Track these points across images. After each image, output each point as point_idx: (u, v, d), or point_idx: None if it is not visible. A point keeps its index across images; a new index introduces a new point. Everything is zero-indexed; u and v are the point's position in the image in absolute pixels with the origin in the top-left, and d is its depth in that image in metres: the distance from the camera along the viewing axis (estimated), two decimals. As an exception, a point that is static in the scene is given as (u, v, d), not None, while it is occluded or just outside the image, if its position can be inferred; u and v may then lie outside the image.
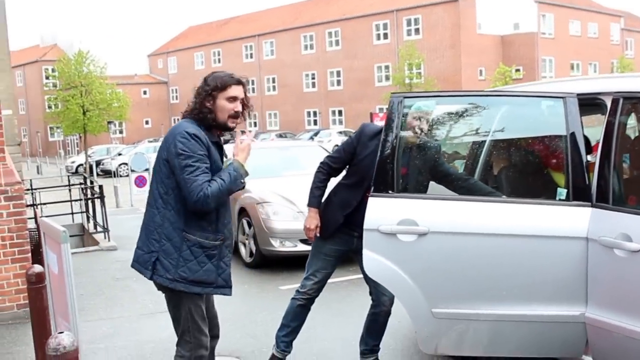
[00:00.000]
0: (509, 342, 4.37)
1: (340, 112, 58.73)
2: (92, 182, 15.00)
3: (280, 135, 50.36)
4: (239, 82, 3.97)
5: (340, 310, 6.94)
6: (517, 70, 50.74)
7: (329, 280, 5.19)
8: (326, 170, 4.98)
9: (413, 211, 4.24)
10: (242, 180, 3.89)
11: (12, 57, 27.28)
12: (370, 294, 5.11)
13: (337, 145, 5.32)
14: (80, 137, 49.06)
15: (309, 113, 61.95)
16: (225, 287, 3.99)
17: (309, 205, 4.98)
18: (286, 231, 8.95)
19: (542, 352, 4.40)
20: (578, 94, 4.23)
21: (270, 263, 9.33)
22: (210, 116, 3.89)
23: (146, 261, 3.91)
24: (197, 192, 3.67)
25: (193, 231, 3.82)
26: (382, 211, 4.29)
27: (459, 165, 5.65)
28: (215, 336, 4.30)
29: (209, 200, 3.69)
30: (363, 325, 5.27)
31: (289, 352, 5.21)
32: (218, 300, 7.77)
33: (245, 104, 4.01)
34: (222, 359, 5.78)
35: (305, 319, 5.18)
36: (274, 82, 64.97)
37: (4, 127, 7.26)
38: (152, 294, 8.36)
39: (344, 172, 5.07)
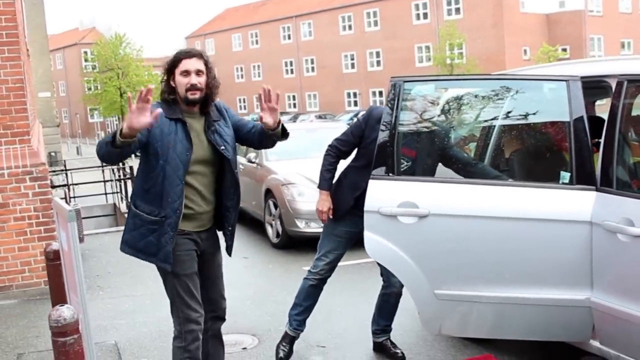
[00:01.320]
0: (514, 325, 4.39)
1: (380, 93, 58.46)
2: (123, 163, 15.23)
3: (320, 117, 50.28)
4: (189, 55, 3.92)
5: (363, 291, 6.99)
6: (564, 49, 49.86)
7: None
8: (335, 153, 5.01)
9: (414, 194, 4.26)
10: (113, 140, 3.61)
11: (52, 41, 27.69)
12: (382, 275, 5.15)
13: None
14: (118, 118, 49.68)
15: (348, 94, 61.81)
16: (165, 262, 3.91)
17: (320, 187, 5.01)
18: (311, 212, 8.94)
19: (548, 336, 4.41)
20: (582, 77, 4.19)
21: (296, 244, 9.42)
22: (168, 96, 3.93)
23: None
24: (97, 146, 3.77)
25: (139, 203, 3.93)
26: (382, 193, 4.32)
27: (472, 149, 5.65)
28: (219, 318, 4.35)
29: (98, 152, 3.74)
30: (375, 306, 5.33)
31: (302, 331, 5.27)
32: (243, 280, 7.96)
33: (205, 77, 3.94)
34: (239, 336, 5.90)
35: (317, 298, 5.23)
36: (312, 63, 64.89)
37: (41, 110, 7.51)
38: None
39: (353, 154, 5.10)
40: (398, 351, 5.21)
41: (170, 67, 3.92)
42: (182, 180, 3.85)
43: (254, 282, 8.04)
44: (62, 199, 9.66)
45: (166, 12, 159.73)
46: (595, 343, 4.21)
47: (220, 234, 4.27)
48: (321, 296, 5.26)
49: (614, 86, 4.09)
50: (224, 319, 4.40)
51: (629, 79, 4.03)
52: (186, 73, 3.87)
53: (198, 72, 3.90)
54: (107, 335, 6.04)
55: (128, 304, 7.17)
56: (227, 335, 5.87)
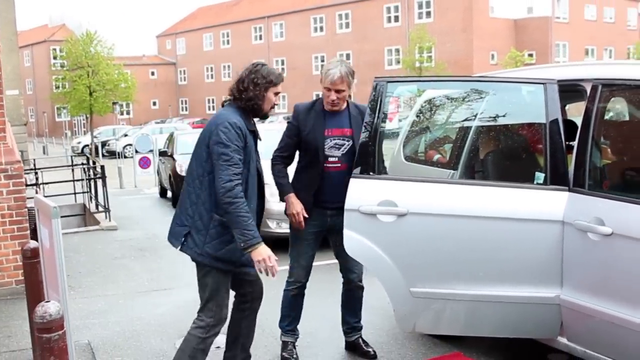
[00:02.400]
0: (486, 322, 4.47)
1: (350, 96, 58.45)
2: (94, 163, 15.11)
3: (289, 118, 50.23)
4: (282, 79, 4.44)
5: (333, 291, 7.02)
6: (530, 55, 50.47)
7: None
8: (279, 161, 5.03)
9: (393, 192, 4.33)
10: (241, 244, 3.99)
11: (20, 37, 27.33)
12: (341, 270, 5.21)
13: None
14: (86, 117, 49.20)
15: (318, 96, 61.52)
16: (247, 266, 4.23)
17: (283, 194, 5.01)
18: (283, 212, 9.03)
19: (518, 332, 4.50)
20: (559, 81, 4.29)
21: (267, 244, 9.37)
22: (259, 106, 4.28)
23: (178, 233, 4.23)
24: (226, 180, 3.95)
25: (221, 212, 4.06)
26: (362, 192, 4.38)
27: (448, 150, 5.73)
28: (258, 298, 4.63)
29: (229, 196, 3.94)
30: (340, 306, 5.38)
31: (298, 336, 5.29)
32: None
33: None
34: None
35: (302, 304, 5.24)
36: (283, 64, 64.86)
37: (9, 108, 7.40)
38: (149, 272, 8.55)
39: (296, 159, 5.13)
40: (370, 350, 5.26)
41: (269, 83, 4.28)
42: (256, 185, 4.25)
43: (226, 281, 8.03)
44: (30, 198, 9.58)
45: (137, 10, 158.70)
46: (563, 340, 4.31)
47: None
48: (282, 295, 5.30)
49: (588, 90, 4.19)
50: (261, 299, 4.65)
51: (603, 84, 4.14)
52: (277, 94, 4.35)
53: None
54: (80, 335, 6.00)
55: (100, 303, 7.14)
56: (201, 334, 5.89)
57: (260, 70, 4.28)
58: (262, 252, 4.00)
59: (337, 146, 4.87)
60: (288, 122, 5.15)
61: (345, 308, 5.33)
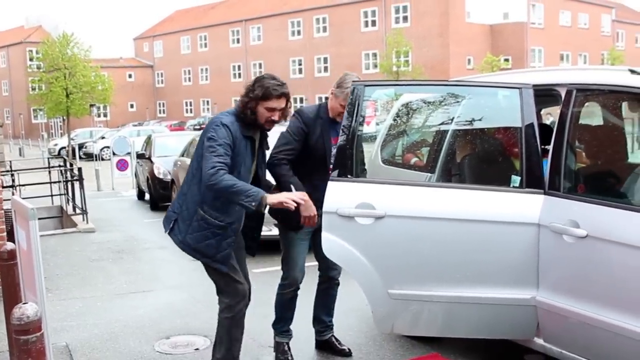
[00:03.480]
0: (463, 323, 4.52)
1: (326, 99, 58.69)
2: (71, 165, 15.02)
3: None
4: (281, 96, 4.37)
5: (312, 292, 7.06)
6: (506, 60, 50.87)
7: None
8: (286, 162, 4.84)
9: (370, 195, 4.37)
10: (252, 204, 4.04)
11: (-5, 38, 26.98)
12: (320, 269, 5.24)
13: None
14: (63, 119, 48.84)
15: (295, 99, 61.73)
16: (221, 263, 4.38)
17: (299, 190, 4.55)
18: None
19: (495, 333, 4.56)
20: (534, 85, 4.36)
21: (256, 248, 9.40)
22: (250, 117, 4.35)
23: (169, 218, 4.49)
24: (209, 167, 4.08)
25: (206, 208, 4.31)
26: (340, 195, 4.40)
27: (425, 153, 5.79)
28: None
29: (212, 179, 4.05)
30: (313, 306, 5.39)
31: (292, 336, 5.26)
32: (193, 282, 7.98)
33: (284, 113, 4.46)
34: (191, 337, 5.92)
35: (296, 304, 5.21)
36: (260, 67, 64.77)
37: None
38: (127, 275, 8.53)
39: None
40: (345, 347, 5.31)
41: (256, 98, 4.33)
42: None
43: (203, 284, 7.94)
44: (7, 200, 9.52)
45: (115, 12, 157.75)
46: (539, 340, 4.36)
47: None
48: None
49: (563, 95, 4.26)
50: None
51: (578, 88, 4.21)
52: (272, 110, 4.36)
53: (280, 110, 4.42)
54: (57, 337, 5.98)
55: (78, 305, 7.11)
56: (179, 337, 5.94)
57: (256, 83, 4.37)
58: (276, 196, 4.14)
59: None
60: (293, 126, 4.95)
61: (321, 307, 5.35)
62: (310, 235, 5.05)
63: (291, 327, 5.26)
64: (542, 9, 56.21)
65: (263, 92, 4.32)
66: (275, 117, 4.39)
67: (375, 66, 52.95)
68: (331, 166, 4.64)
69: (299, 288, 5.14)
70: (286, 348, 5.22)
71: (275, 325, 5.26)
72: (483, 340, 4.98)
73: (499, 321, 4.41)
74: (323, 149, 4.87)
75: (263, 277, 7.64)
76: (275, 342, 5.27)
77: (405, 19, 53.47)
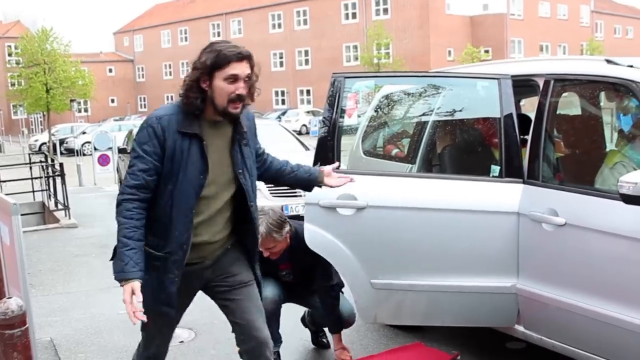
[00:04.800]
0: (445, 312, 4.57)
1: (308, 92, 58.75)
2: (52, 160, 14.95)
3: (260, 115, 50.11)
4: (240, 57, 3.19)
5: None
6: (486, 51, 51.07)
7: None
8: None
9: (352, 186, 4.40)
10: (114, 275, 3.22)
11: (-27, 34, 26.73)
12: None
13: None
14: (43, 115, 48.46)
15: (276, 92, 61.84)
16: (169, 306, 3.38)
17: None
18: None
19: (477, 322, 4.61)
20: (512, 76, 4.41)
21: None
22: (197, 103, 3.22)
23: None
24: (119, 193, 3.25)
25: (146, 234, 3.23)
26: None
27: (406, 144, 5.83)
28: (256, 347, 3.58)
29: (116, 211, 3.22)
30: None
31: (281, 341, 5.02)
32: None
33: (250, 84, 3.26)
34: (175, 330, 5.91)
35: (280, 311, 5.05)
36: (241, 61, 64.65)
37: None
38: (110, 269, 8.44)
39: None
40: (325, 340, 5.36)
41: (211, 68, 3.19)
42: (192, 209, 3.26)
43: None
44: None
45: (94, 6, 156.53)
46: (520, 328, 4.41)
47: None
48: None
49: (541, 85, 4.31)
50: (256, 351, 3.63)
51: (555, 78, 4.26)
52: (233, 79, 3.18)
53: (245, 79, 3.22)
54: (42, 332, 5.98)
55: (62, 300, 7.12)
56: (165, 329, 5.92)
57: (209, 47, 3.25)
58: (125, 290, 3.10)
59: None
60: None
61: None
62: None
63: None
64: (521, 0, 56.43)
65: (216, 57, 3.15)
66: (242, 90, 3.18)
67: (356, 58, 52.99)
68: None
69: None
70: (275, 356, 4.86)
71: None
72: (466, 329, 5.04)
73: (480, 309, 4.46)
74: None
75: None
76: None
77: (385, 11, 53.52)
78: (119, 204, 3.19)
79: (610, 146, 4.67)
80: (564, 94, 4.52)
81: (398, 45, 50.46)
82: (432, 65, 48.16)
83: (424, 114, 5.32)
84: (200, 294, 3.75)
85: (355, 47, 54.69)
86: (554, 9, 60.07)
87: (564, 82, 4.35)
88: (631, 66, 3.89)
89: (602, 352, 3.85)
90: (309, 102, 58.56)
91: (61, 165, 13.22)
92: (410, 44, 51.15)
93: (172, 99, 70.40)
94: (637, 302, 3.59)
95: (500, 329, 4.63)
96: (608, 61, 4.03)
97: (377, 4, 54.05)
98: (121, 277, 3.14)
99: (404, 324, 5.15)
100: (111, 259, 3.32)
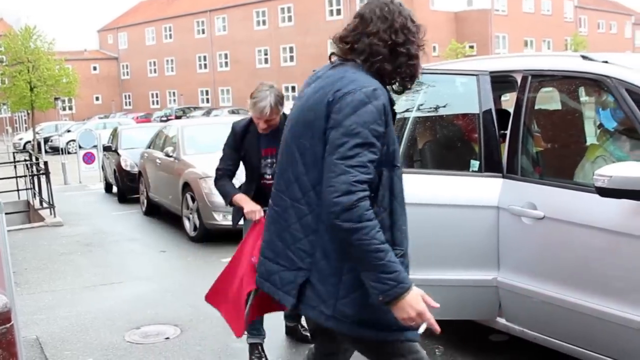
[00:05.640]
0: (427, 305, 4.61)
1: (293, 88, 58.65)
2: (37, 159, 14.92)
3: (233, 112, 50.09)
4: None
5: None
6: (471, 46, 51.27)
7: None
8: (221, 174, 4.99)
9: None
10: (380, 296, 2.55)
11: (-45, 32, 26.58)
12: None
13: None
14: (28, 113, 48.22)
15: (262, 89, 61.72)
16: (406, 330, 2.72)
17: (231, 196, 4.81)
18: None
19: (459, 315, 4.66)
20: (491, 72, 4.47)
21: (213, 236, 9.51)
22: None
23: (289, 281, 2.71)
24: (340, 192, 2.45)
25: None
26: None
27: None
28: None
29: (345, 217, 2.45)
30: None
31: (265, 336, 5.07)
32: (162, 273, 8.03)
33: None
34: (161, 327, 5.98)
35: None
36: (226, 58, 64.59)
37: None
38: (96, 267, 8.55)
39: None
40: (308, 334, 5.38)
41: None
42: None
43: (172, 274, 8.12)
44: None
45: (78, 4, 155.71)
46: (502, 320, 4.47)
47: None
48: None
49: (519, 81, 4.38)
50: None
51: (533, 74, 4.33)
52: None
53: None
54: (27, 331, 6.01)
55: (48, 299, 7.13)
56: (149, 327, 5.99)
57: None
58: (410, 302, 2.57)
59: (270, 164, 4.85)
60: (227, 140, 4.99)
61: None
62: None
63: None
64: (506, -5, 56.78)
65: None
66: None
67: (342, 55, 53.00)
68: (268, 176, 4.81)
69: None
70: (259, 350, 5.00)
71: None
72: (449, 322, 5.08)
73: (462, 302, 4.52)
74: (250, 162, 4.88)
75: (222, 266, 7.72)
76: (249, 344, 5.03)
77: (370, 7, 53.57)
78: (352, 205, 2.42)
79: (591, 140, 4.74)
80: (544, 89, 4.59)
81: (383, 41, 50.53)
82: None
83: (405, 110, 5.36)
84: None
85: (341, 43, 54.73)
86: (537, 5, 60.42)
87: (541, 78, 4.41)
88: (606, 62, 3.96)
89: (581, 343, 3.92)
90: (294, 98, 58.43)
91: (46, 163, 13.19)
92: (395, 39, 51.22)
93: (157, 96, 70.46)
94: (613, 293, 3.66)
95: (483, 322, 4.69)
96: (584, 57, 4.10)
97: (362, 0, 54.12)
98: (405, 288, 2.57)
99: (387, 318, 5.19)
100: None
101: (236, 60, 62.83)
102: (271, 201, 2.85)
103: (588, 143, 4.79)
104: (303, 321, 5.45)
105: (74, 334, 5.95)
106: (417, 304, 2.56)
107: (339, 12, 55.57)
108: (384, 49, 2.63)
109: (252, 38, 61.16)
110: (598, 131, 4.55)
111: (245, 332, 4.92)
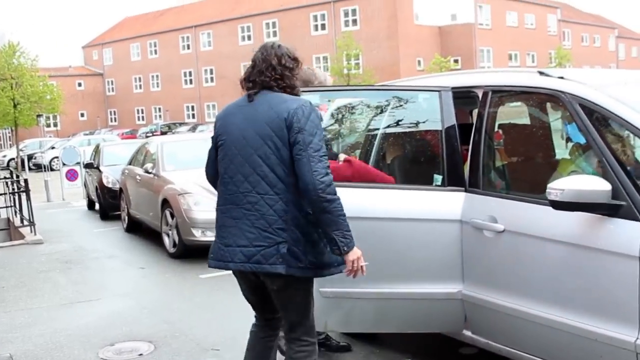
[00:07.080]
0: (394, 319, 4.68)
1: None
2: (17, 177, 14.90)
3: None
4: None
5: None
6: (455, 60, 51.60)
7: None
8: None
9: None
10: (344, 247, 3.54)
11: (-62, 50, 26.53)
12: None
13: None
14: (11, 130, 48.06)
15: (248, 104, 61.78)
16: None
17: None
18: (207, 221, 9.08)
19: (426, 328, 4.73)
20: (453, 88, 4.56)
21: (193, 252, 9.53)
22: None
23: (271, 253, 3.50)
24: (325, 180, 3.46)
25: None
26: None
27: (357, 155, 5.95)
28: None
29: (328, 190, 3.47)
30: None
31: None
32: (140, 289, 8.05)
33: None
34: (135, 343, 5.99)
35: None
36: (211, 73, 64.70)
37: None
38: (74, 284, 8.56)
39: None
40: (346, 343, 5.42)
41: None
42: None
43: (150, 291, 8.15)
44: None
45: (62, 20, 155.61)
46: (468, 333, 4.52)
47: None
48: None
49: (480, 96, 4.47)
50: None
51: (493, 90, 4.42)
52: None
53: None
54: (1, 349, 6.00)
55: (24, 317, 7.12)
56: (123, 343, 6.00)
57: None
58: (357, 251, 3.58)
59: None
60: None
61: None
62: None
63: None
64: (489, 10, 57.22)
65: None
66: None
67: (327, 69, 53.18)
68: None
69: None
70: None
71: None
72: (419, 335, 5.15)
73: (429, 315, 4.57)
74: None
75: (210, 282, 7.77)
76: None
77: (354, 22, 53.97)
78: (330, 182, 3.46)
79: (561, 154, 4.82)
80: (512, 104, 4.67)
81: (368, 55, 50.83)
82: (402, 75, 48.50)
83: (373, 126, 5.45)
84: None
85: (325, 58, 55.01)
86: (521, 18, 60.93)
87: (500, 94, 4.49)
88: (562, 77, 4.05)
89: (543, 353, 3.97)
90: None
91: (26, 181, 13.19)
92: (379, 54, 51.55)
93: (142, 112, 70.36)
94: (573, 305, 3.72)
95: (451, 334, 4.74)
96: (540, 73, 4.19)
97: (346, 15, 54.45)
98: (354, 241, 3.56)
99: (355, 331, 5.25)
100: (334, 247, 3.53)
101: (222, 76, 62.91)
102: (231, 205, 3.60)
103: (558, 157, 4.87)
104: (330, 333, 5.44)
105: (47, 351, 5.96)
106: (358, 252, 3.60)
107: (323, 27, 55.87)
108: (273, 80, 3.72)
109: (238, 53, 61.21)
110: (569, 145, 4.63)
111: None
